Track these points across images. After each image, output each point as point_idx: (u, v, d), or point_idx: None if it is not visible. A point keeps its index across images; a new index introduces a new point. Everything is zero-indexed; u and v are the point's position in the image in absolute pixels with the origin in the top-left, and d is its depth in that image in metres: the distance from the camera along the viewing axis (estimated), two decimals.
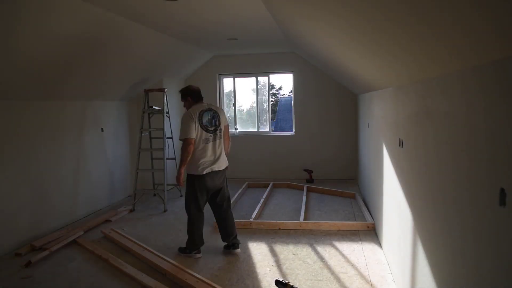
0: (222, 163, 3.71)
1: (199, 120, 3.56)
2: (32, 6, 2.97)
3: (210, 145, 3.61)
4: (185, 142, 3.49)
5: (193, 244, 3.71)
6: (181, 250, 3.80)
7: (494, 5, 1.05)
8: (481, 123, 1.39)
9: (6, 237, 3.88)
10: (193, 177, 3.60)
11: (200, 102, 3.73)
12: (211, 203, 3.80)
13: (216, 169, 3.63)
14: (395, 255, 3.07)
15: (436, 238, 1.97)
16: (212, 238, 4.22)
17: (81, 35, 3.78)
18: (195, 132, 3.51)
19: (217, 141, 3.66)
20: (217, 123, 3.68)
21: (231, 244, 3.78)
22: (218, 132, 3.68)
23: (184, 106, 3.77)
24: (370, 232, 4.24)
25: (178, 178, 3.60)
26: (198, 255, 3.71)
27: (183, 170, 3.56)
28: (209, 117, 3.64)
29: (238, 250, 3.78)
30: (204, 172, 3.55)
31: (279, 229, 4.42)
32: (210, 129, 3.62)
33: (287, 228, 4.41)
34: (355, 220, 4.65)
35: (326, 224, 4.41)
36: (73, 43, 3.80)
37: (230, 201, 3.87)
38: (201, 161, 3.56)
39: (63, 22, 3.42)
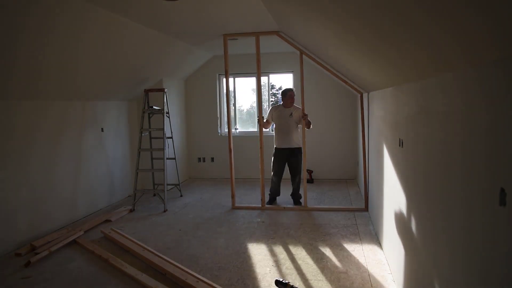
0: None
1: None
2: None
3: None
4: None
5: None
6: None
7: (494, 6, 1.05)
8: (481, 123, 1.39)
9: (6, 237, 3.88)
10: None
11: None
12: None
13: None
14: (395, 255, 3.07)
15: (437, 238, 1.97)
16: (212, 238, 4.22)
17: (80, 34, 3.78)
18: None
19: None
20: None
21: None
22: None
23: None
24: (370, 232, 4.24)
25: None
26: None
27: None
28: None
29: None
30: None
31: (284, 208, 5.18)
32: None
33: (292, 210, 4.98)
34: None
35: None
36: (72, 42, 3.80)
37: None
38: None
39: (65, 21, 3.42)
